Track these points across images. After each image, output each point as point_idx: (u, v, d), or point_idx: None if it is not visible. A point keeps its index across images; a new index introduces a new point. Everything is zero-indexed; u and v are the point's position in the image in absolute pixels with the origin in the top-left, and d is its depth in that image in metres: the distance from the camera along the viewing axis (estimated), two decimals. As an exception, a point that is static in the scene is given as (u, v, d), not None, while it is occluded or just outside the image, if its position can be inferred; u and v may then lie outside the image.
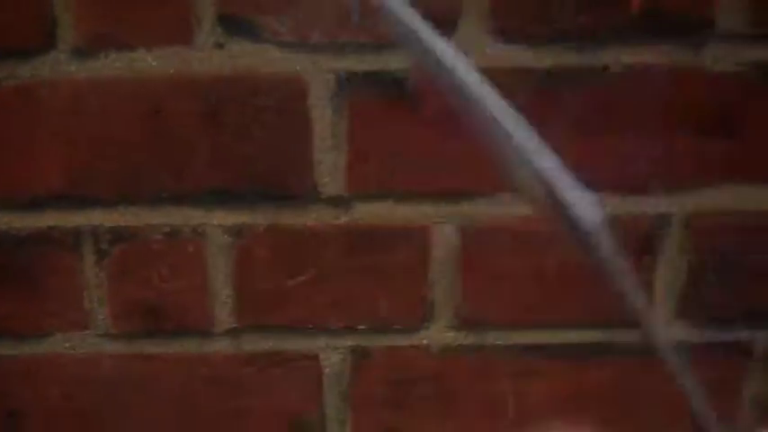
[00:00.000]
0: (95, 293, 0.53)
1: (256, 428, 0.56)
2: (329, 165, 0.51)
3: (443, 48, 0.21)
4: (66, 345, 0.54)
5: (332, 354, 0.55)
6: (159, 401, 0.56)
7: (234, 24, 0.48)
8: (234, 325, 0.54)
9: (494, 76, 0.48)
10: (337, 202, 0.52)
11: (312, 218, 0.52)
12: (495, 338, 0.55)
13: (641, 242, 0.53)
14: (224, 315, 0.54)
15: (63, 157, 0.50)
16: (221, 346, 0.55)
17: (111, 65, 0.49)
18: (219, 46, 0.49)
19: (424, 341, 0.55)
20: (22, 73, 0.49)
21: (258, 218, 0.52)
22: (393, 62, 0.49)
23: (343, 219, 0.52)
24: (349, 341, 0.55)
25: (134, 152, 0.50)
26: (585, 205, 0.20)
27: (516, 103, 0.45)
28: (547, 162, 0.20)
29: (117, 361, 0.55)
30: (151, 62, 0.48)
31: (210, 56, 0.49)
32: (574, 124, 0.50)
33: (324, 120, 0.50)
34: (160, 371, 0.55)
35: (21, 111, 0.49)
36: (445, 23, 0.48)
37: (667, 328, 0.55)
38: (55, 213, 0.51)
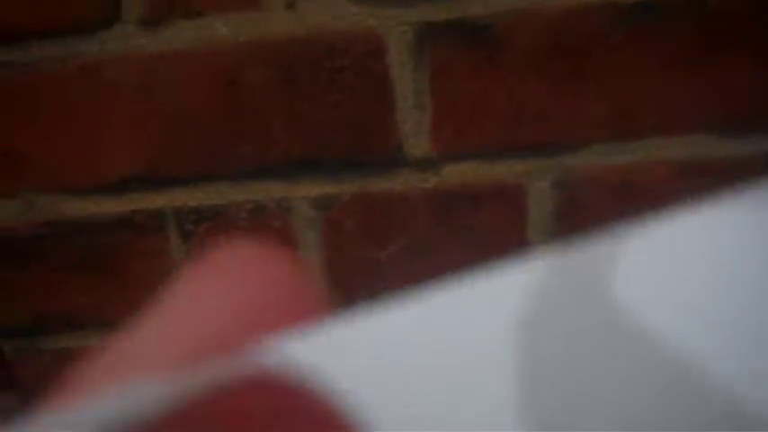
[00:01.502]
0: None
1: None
2: (413, 124, 0.48)
3: None
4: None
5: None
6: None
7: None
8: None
9: (587, 13, 0.45)
10: (424, 164, 0.49)
11: (399, 182, 0.49)
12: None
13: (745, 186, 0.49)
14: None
15: (138, 137, 0.48)
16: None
17: (180, 35, 0.46)
18: (290, 6, 0.46)
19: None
20: (86, 50, 0.47)
21: (344, 187, 0.49)
22: (472, 8, 0.46)
23: (432, 181, 0.49)
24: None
25: (210, 126, 0.48)
26: None
27: (609, 43, 0.42)
28: None
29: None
30: (221, 29, 0.46)
31: (281, 18, 0.46)
32: (667, 60, 0.47)
33: (404, 77, 0.47)
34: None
35: (89, 91, 0.47)
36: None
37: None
38: (135, 196, 0.49)
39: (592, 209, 0.50)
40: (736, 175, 0.50)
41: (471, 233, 0.51)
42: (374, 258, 0.51)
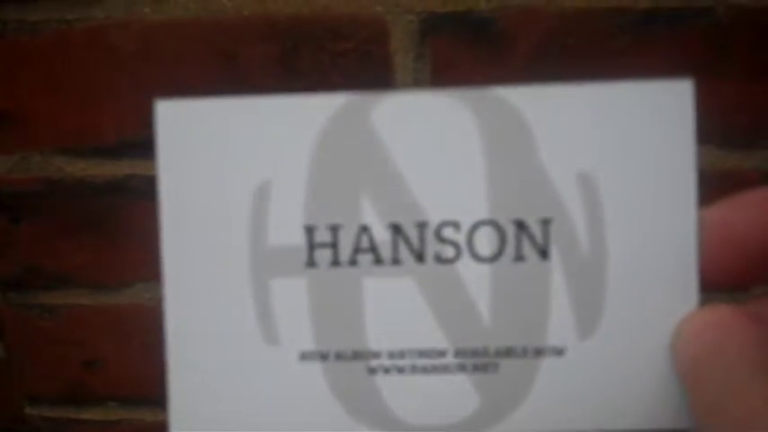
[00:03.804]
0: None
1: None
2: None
3: None
4: (147, 295, 0.53)
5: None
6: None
7: (314, -38, 0.46)
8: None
9: (592, 16, 0.45)
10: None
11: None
12: None
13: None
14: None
15: (136, 103, 0.49)
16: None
17: (185, 5, 0.47)
18: (297, -15, 0.46)
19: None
20: (94, 14, 0.47)
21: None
22: (477, 2, 0.46)
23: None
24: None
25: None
26: None
27: (613, 48, 0.42)
28: None
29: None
30: (226, 2, 0.47)
31: (288, -4, 0.47)
32: (673, 69, 0.47)
33: (406, 66, 0.47)
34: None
35: (92, 54, 0.48)
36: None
37: None
38: (130, 161, 0.50)
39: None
40: (735, 188, 0.49)
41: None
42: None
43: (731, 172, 0.48)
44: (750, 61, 0.46)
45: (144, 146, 0.49)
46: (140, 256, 0.52)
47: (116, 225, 0.51)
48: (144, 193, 0.50)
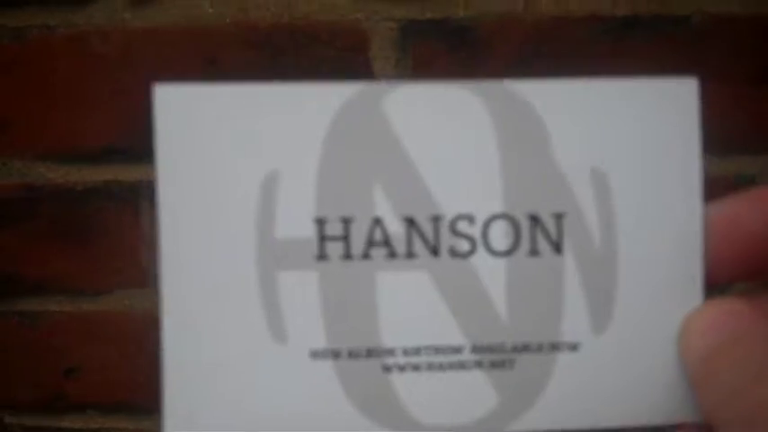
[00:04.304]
0: (154, 250, 0.52)
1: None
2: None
3: None
4: (126, 302, 0.53)
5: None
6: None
7: (294, -31, 0.47)
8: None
9: (570, 23, 0.45)
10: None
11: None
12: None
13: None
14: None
15: (118, 109, 0.49)
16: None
17: (167, 12, 0.47)
18: (278, -7, 0.47)
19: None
20: (75, 20, 0.47)
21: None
22: (456, 9, 0.47)
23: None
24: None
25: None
26: None
27: (591, 54, 0.42)
28: None
29: (175, 318, 0.54)
30: (207, 9, 0.47)
31: (267, 3, 0.47)
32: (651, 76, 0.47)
33: (386, 72, 0.48)
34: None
35: (74, 60, 0.48)
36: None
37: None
38: (111, 168, 0.50)
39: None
40: (718, 195, 0.50)
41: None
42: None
43: (717, 177, 0.48)
44: (726, 69, 0.47)
45: (126, 152, 0.49)
46: (121, 264, 0.52)
47: (97, 232, 0.51)
48: (126, 200, 0.50)
